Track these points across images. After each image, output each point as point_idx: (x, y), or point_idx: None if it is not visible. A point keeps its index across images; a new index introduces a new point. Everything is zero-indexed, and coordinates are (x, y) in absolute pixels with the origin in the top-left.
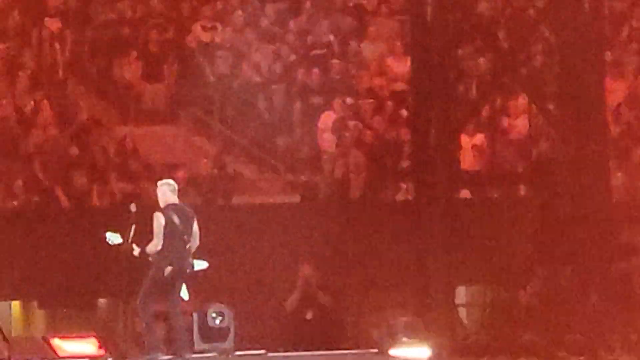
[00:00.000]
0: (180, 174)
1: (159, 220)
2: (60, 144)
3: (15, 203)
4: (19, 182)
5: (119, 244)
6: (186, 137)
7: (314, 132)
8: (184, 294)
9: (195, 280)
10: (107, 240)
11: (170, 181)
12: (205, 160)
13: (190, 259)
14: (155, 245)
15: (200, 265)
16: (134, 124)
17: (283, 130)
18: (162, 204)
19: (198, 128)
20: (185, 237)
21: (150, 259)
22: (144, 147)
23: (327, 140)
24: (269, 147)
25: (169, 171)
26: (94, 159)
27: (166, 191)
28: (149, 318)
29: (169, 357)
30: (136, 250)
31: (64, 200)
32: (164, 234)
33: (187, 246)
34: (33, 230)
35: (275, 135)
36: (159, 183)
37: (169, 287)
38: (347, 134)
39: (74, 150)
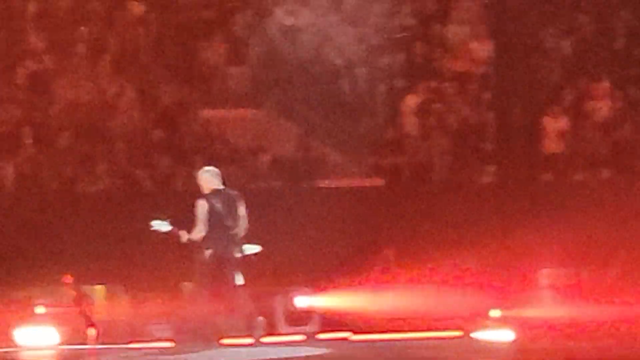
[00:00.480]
0: (265, 157)
1: (201, 206)
2: (143, 127)
3: (99, 187)
4: (103, 166)
5: (166, 232)
6: (270, 121)
7: (398, 115)
8: (239, 279)
9: (277, 263)
10: (153, 227)
11: (212, 168)
12: (289, 144)
13: (238, 244)
14: (199, 231)
15: (252, 249)
16: (217, 108)
17: (366, 113)
18: (205, 191)
19: (282, 111)
20: (228, 222)
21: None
22: (227, 130)
23: (411, 124)
24: (353, 130)
25: (253, 155)
26: (178, 143)
27: (208, 178)
28: (202, 304)
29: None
30: (184, 237)
31: (147, 184)
32: (208, 220)
33: (233, 231)
34: (117, 214)
35: (359, 119)
36: (200, 171)
37: (216, 272)
38: (430, 117)
39: (158, 134)
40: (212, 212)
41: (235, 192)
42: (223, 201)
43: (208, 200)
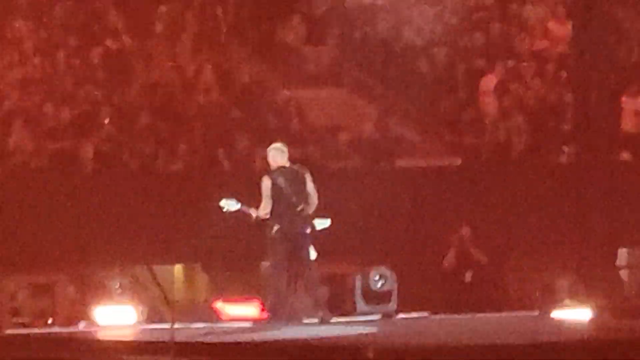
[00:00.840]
0: (343, 137)
1: (265, 183)
2: (222, 107)
3: (178, 166)
4: (182, 146)
5: (235, 210)
6: (349, 100)
7: (476, 95)
8: (312, 253)
9: (355, 242)
10: (222, 207)
11: (279, 145)
12: (368, 123)
13: (306, 220)
14: (263, 208)
15: (322, 224)
16: (296, 87)
17: (445, 93)
18: (272, 168)
19: (361, 91)
20: (293, 199)
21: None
22: (306, 110)
23: (489, 103)
24: (431, 109)
25: (332, 134)
26: (256, 122)
27: (275, 155)
28: (278, 282)
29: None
30: (252, 215)
31: (226, 164)
32: (272, 197)
33: (298, 208)
34: (195, 193)
35: (437, 98)
36: (269, 148)
37: (285, 249)
38: (508, 97)
39: (236, 114)
40: (275, 189)
41: (303, 169)
42: (288, 178)
43: (272, 178)
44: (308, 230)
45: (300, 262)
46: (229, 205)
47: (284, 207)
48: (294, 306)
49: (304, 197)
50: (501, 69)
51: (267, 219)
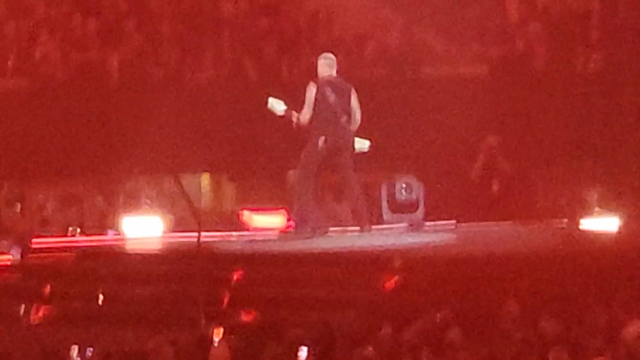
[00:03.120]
0: (369, 45)
1: (310, 90)
2: (249, 15)
3: (205, 76)
4: (208, 55)
5: (281, 112)
6: (375, 9)
7: (503, 3)
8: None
9: (382, 151)
10: (269, 106)
11: (329, 55)
12: (393, 32)
13: (350, 134)
14: (304, 115)
15: (361, 143)
16: None
17: (470, 0)
18: (319, 77)
19: None
20: (338, 110)
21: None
22: (332, 18)
23: (516, 11)
24: (457, 17)
25: (357, 43)
26: (284, 31)
27: (323, 64)
28: (306, 191)
29: (356, 229)
30: (295, 117)
31: (252, 74)
32: (315, 106)
33: (343, 120)
34: (222, 103)
35: (464, 6)
36: (319, 57)
37: (328, 160)
38: (535, 4)
39: (264, 22)
40: (321, 98)
41: (348, 84)
42: (334, 89)
43: (318, 86)
44: (348, 145)
45: (344, 174)
46: (276, 104)
47: (328, 117)
48: (320, 215)
49: (348, 110)
50: None
51: (311, 130)
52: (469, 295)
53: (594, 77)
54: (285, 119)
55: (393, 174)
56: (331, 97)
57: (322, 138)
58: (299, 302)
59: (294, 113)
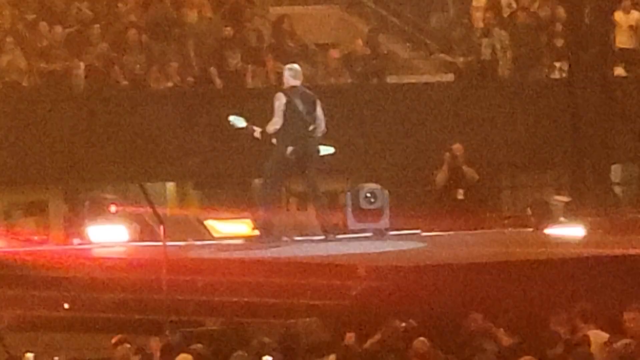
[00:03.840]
0: (334, 53)
1: (279, 100)
2: (214, 25)
3: (170, 84)
4: (174, 64)
5: (242, 127)
6: (340, 17)
7: (468, 11)
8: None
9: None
10: (230, 123)
11: (295, 66)
12: (359, 40)
13: (316, 143)
14: (274, 124)
15: (326, 150)
16: (288, 4)
17: (436, 9)
18: (285, 87)
19: (352, 7)
20: (307, 119)
21: (273, 141)
22: (298, 27)
23: (481, 19)
24: (423, 26)
25: (323, 51)
26: (249, 40)
27: (288, 75)
28: (271, 200)
29: (320, 237)
30: (257, 132)
31: (218, 82)
32: (284, 114)
33: (310, 128)
34: (187, 112)
35: (429, 14)
36: (286, 67)
37: (295, 169)
38: (500, 13)
39: (229, 32)
40: (290, 107)
41: (313, 94)
42: (301, 98)
43: (286, 95)
44: (314, 153)
45: (309, 182)
46: (237, 120)
47: (297, 126)
48: (284, 223)
49: (314, 119)
50: None
51: (278, 139)
52: (433, 302)
53: (559, 86)
54: (246, 131)
55: (358, 183)
56: (299, 106)
57: (290, 147)
58: (264, 309)
59: (255, 127)
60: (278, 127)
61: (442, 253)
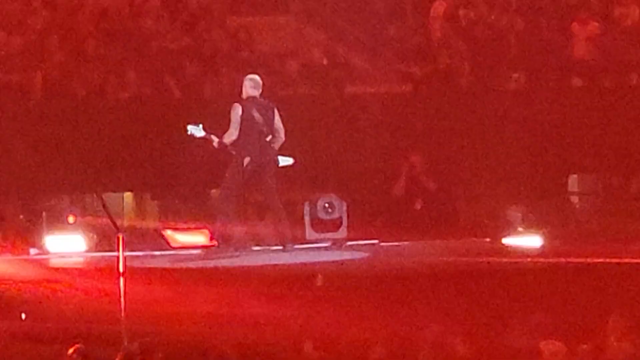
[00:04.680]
0: (292, 64)
1: (235, 110)
2: (171, 34)
3: (127, 94)
4: (131, 73)
5: (200, 137)
6: (297, 27)
7: (426, 21)
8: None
9: (304, 170)
10: (188, 132)
11: (254, 76)
12: (316, 50)
13: (274, 153)
14: (230, 135)
15: (285, 161)
16: (245, 14)
17: (395, 19)
18: (243, 97)
19: (309, 17)
20: (264, 129)
21: (232, 151)
22: (255, 37)
23: (438, 30)
24: (381, 35)
25: (280, 61)
26: (206, 50)
27: (248, 86)
28: (228, 210)
29: (278, 247)
30: (215, 142)
31: (175, 92)
32: (241, 125)
33: (268, 139)
34: (145, 121)
35: (387, 24)
36: (245, 78)
37: (252, 179)
38: (457, 23)
39: (186, 41)
40: (247, 118)
41: (272, 103)
42: (259, 109)
43: (243, 106)
44: (272, 163)
45: (267, 193)
46: (195, 130)
47: (255, 137)
48: (243, 234)
49: (273, 129)
50: None
51: (235, 149)
52: (390, 312)
53: (516, 96)
54: (204, 140)
55: (316, 193)
56: (256, 116)
57: (248, 158)
58: (223, 319)
59: (213, 137)
60: (234, 138)
61: (399, 263)
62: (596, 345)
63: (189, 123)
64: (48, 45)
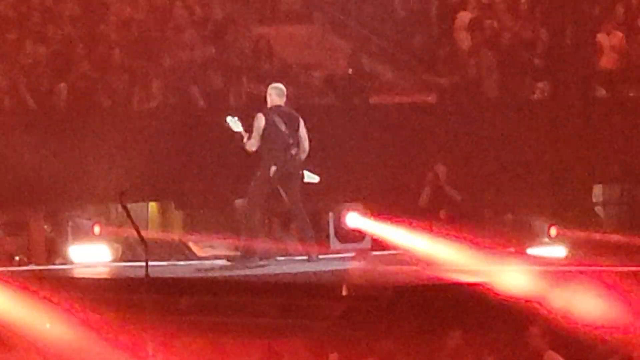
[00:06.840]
0: (316, 74)
1: (258, 120)
2: (195, 44)
3: (152, 104)
4: (156, 83)
5: (236, 131)
6: (322, 37)
7: (450, 31)
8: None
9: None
10: (227, 123)
11: (279, 85)
12: (341, 60)
13: (299, 164)
14: (252, 144)
15: (311, 178)
16: (269, 24)
17: (419, 29)
18: (268, 106)
19: (334, 27)
20: (289, 140)
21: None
22: (279, 47)
23: (463, 40)
24: (406, 46)
25: (305, 72)
26: (232, 60)
27: (273, 94)
28: (253, 220)
29: (303, 257)
30: (246, 141)
31: (199, 102)
32: (265, 135)
33: (293, 150)
34: (170, 131)
35: (412, 34)
36: (269, 87)
37: (276, 189)
38: (483, 33)
39: (209, 51)
40: (271, 127)
41: (297, 114)
42: (283, 118)
43: (266, 115)
44: (301, 173)
45: (292, 202)
46: (233, 123)
47: (280, 146)
48: (267, 244)
49: (297, 139)
50: (475, 5)
51: (262, 159)
52: (416, 323)
53: (541, 106)
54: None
55: (341, 203)
56: (281, 126)
57: (274, 167)
58: (247, 329)
59: (246, 139)
60: (254, 148)
61: (425, 273)
62: None
63: (212, 133)
64: (73, 56)
